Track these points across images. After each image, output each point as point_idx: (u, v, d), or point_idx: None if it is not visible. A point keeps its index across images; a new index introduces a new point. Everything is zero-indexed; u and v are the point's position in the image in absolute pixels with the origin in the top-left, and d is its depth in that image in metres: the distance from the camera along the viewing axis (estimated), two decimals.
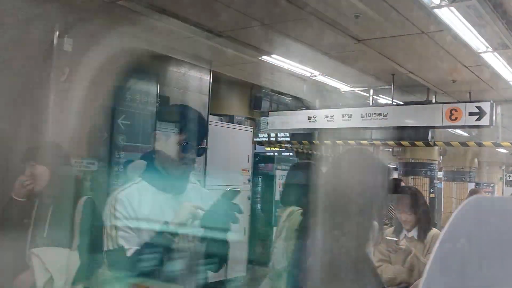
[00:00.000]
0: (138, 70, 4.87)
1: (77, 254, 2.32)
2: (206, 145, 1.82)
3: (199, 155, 1.75)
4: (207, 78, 5.62)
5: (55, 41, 4.03)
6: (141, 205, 1.67)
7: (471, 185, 13.72)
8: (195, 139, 1.74)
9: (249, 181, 6.92)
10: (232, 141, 6.73)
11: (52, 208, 2.41)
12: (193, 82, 5.45)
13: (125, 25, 4.27)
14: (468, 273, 0.76)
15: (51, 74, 4.05)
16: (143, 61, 4.89)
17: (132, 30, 4.43)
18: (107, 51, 4.46)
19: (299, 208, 2.43)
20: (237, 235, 5.92)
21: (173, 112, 1.88)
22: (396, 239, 2.95)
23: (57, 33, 4.04)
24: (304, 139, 8.16)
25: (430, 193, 10.38)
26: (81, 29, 4.12)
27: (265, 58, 5.88)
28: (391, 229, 3.26)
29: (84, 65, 4.23)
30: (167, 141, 1.72)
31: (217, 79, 5.99)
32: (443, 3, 3.89)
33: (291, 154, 10.14)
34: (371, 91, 7.57)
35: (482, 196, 5.35)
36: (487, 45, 4.94)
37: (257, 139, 9.45)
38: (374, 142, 7.95)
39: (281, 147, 10.34)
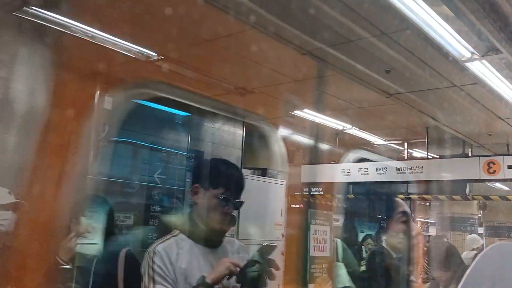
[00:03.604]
0: (173, 126, 5.03)
1: None
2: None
3: (236, 208, 1.78)
4: (240, 132, 5.74)
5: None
6: (178, 258, 1.68)
7: None
8: (233, 192, 1.77)
9: (282, 235, 6.82)
10: (265, 194, 6.71)
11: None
12: (226, 137, 5.57)
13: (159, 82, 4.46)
14: None
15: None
16: (177, 117, 5.07)
17: (166, 87, 4.62)
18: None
19: None
20: None
21: (211, 166, 1.91)
22: None
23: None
24: None
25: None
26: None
27: (297, 112, 5.97)
28: (427, 285, 3.16)
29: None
30: (206, 194, 1.76)
31: (250, 132, 6.10)
32: (475, 56, 3.90)
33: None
34: (405, 144, 7.51)
35: (505, 242, 5.12)
36: None
37: None
38: (411, 196, 7.78)
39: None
